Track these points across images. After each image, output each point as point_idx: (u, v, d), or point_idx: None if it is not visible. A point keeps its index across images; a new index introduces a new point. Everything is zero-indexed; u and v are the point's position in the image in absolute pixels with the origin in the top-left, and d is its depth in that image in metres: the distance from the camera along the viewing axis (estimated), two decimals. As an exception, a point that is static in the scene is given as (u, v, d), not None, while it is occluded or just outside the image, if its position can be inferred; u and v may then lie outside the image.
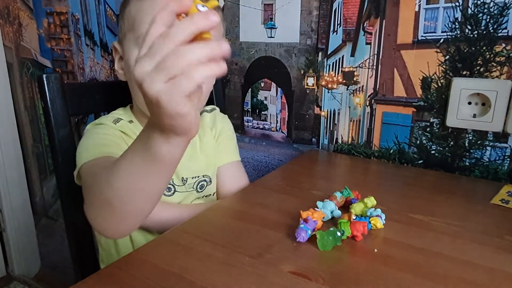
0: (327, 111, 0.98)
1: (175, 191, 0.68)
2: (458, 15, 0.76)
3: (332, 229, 0.50)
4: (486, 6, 0.73)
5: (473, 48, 0.76)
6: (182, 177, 0.69)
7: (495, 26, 0.73)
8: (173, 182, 0.68)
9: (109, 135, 0.61)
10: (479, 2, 0.73)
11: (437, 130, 0.83)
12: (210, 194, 0.74)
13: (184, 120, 0.33)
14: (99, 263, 0.73)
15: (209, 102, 0.81)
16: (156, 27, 0.31)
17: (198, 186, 0.71)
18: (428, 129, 0.84)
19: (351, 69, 0.92)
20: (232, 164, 0.77)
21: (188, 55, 0.30)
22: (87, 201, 0.49)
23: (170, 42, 0.30)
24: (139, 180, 0.40)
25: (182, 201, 0.69)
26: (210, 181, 0.73)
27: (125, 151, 0.41)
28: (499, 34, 0.73)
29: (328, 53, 0.94)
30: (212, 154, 0.74)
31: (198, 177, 0.71)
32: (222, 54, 0.31)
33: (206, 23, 0.30)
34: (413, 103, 0.84)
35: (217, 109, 0.82)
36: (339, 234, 0.49)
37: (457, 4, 0.75)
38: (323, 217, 0.55)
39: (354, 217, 0.54)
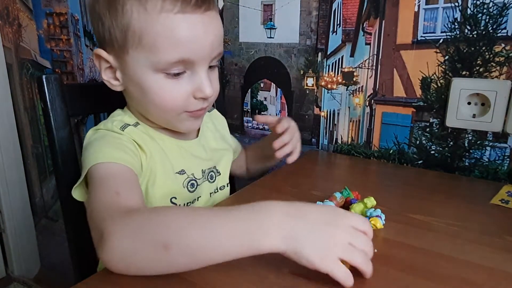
0: (327, 111, 0.98)
1: (197, 185, 0.67)
2: (458, 15, 0.76)
3: None
4: (485, 6, 0.73)
5: (473, 48, 0.76)
6: (202, 169, 0.69)
7: (494, 27, 0.73)
8: (194, 176, 0.67)
9: (121, 139, 0.58)
10: (478, 3, 0.73)
11: (436, 130, 0.83)
12: (224, 185, 0.74)
13: None
14: (99, 264, 0.73)
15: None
16: None
17: (209, 176, 0.70)
18: (427, 129, 0.84)
19: (351, 69, 0.92)
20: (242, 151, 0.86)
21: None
22: (122, 228, 0.42)
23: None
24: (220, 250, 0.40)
25: (201, 194, 0.68)
26: (219, 173, 0.73)
27: (213, 222, 0.41)
28: (499, 34, 0.73)
29: (328, 53, 0.94)
30: (215, 147, 0.75)
31: (209, 168, 0.71)
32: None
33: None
34: (413, 103, 0.85)
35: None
36: None
37: (457, 4, 0.76)
38: (323, 218, 0.55)
39: (354, 218, 0.53)
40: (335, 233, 0.40)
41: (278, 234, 0.39)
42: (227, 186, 0.76)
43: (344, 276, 0.39)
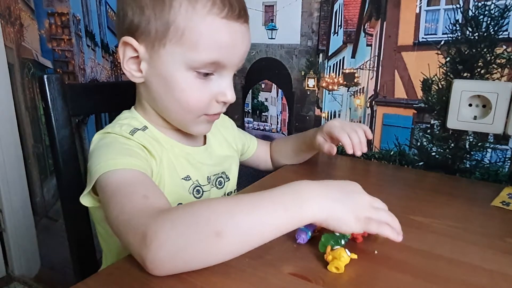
0: (328, 112, 0.98)
1: (203, 192, 0.67)
2: (459, 17, 0.76)
3: (337, 234, 0.48)
4: (487, 8, 0.73)
5: (474, 50, 0.76)
6: (208, 176, 0.68)
7: (495, 28, 0.73)
8: (199, 183, 0.66)
9: (130, 145, 0.56)
10: (479, 4, 0.73)
11: (437, 132, 0.83)
12: (232, 191, 0.74)
13: None
14: (98, 263, 0.73)
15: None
16: None
17: (217, 182, 0.70)
18: (428, 131, 0.84)
19: (352, 70, 0.92)
20: (258, 143, 0.87)
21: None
22: (170, 225, 0.40)
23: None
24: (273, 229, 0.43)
25: None
26: (228, 178, 0.73)
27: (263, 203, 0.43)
28: (500, 36, 0.73)
29: (329, 54, 0.95)
30: (222, 154, 0.75)
31: (217, 174, 0.71)
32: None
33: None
34: (414, 105, 0.84)
35: None
36: (343, 242, 0.48)
37: (458, 6, 0.76)
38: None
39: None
40: (360, 199, 0.47)
41: (317, 203, 0.44)
42: (235, 192, 0.76)
43: (378, 228, 0.45)
